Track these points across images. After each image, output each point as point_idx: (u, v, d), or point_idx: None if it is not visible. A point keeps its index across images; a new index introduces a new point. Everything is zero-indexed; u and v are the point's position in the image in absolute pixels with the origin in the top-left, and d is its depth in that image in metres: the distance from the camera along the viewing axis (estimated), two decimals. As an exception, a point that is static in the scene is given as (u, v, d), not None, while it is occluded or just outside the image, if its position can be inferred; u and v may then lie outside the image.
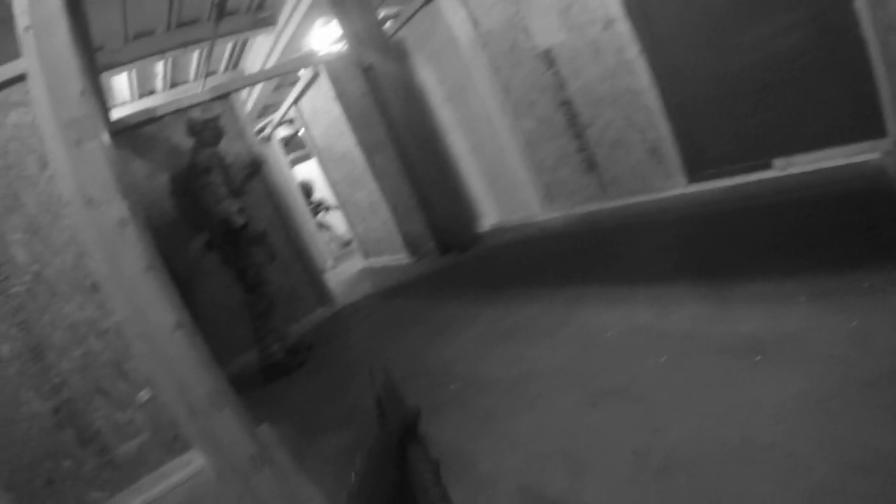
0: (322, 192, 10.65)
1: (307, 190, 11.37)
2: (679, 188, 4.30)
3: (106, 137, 2.18)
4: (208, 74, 8.66)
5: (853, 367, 1.71)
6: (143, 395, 3.33)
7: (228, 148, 5.48)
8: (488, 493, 1.99)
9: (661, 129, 4.19)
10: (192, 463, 3.37)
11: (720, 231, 3.37)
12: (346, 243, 10.25)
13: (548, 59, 4.77)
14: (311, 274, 6.01)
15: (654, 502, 1.58)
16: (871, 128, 3.12)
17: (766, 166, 3.72)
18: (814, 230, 2.78)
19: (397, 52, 6.21)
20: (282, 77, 8.46)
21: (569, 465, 1.92)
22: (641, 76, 4.12)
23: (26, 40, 1.80)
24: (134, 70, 7.74)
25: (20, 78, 3.24)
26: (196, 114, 4.65)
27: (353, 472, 0.62)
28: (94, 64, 3.90)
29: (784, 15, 3.27)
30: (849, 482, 1.35)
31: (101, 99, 4.38)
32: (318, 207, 11.20)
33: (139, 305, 1.70)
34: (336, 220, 8.87)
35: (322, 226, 10.87)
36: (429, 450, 0.62)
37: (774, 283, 2.45)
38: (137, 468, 3.31)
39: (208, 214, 4.44)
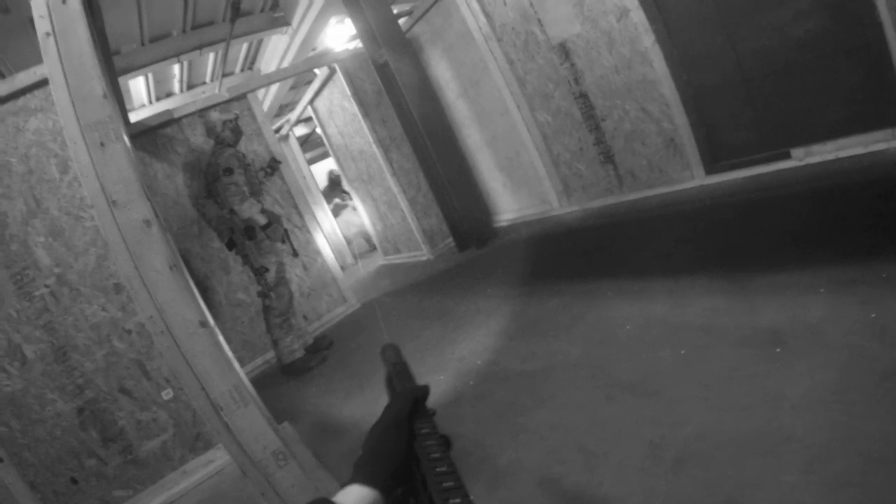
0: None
1: (336, 180, 11.27)
2: (697, 179, 4.27)
3: (128, 139, 2.22)
4: (224, 76, 8.70)
5: (872, 358, 1.70)
6: (166, 394, 3.39)
7: (247, 147, 5.54)
8: (507, 485, 2.01)
9: (678, 120, 4.16)
10: (215, 461, 3.42)
11: (738, 222, 3.35)
12: (369, 240, 10.19)
13: (563, 51, 4.75)
14: (331, 271, 6.05)
15: (670, 495, 1.59)
16: (890, 115, 3.08)
17: (785, 156, 3.68)
18: (832, 220, 2.76)
19: (412, 48, 6.22)
20: (297, 76, 8.49)
21: (586, 458, 1.93)
22: (657, 66, 4.09)
23: (47, 46, 1.84)
24: (150, 73, 7.81)
25: (39, 84, 3.30)
26: (215, 114, 4.68)
27: (361, 446, 0.63)
28: (113, 67, 3.95)
29: (800, 0, 3.23)
30: (868, 475, 1.35)
31: (120, 102, 4.44)
32: (345, 199, 11.13)
33: (163, 304, 1.73)
34: (363, 216, 8.74)
35: (346, 221, 10.85)
36: (437, 426, 0.63)
37: (793, 274, 2.43)
38: (161, 466, 3.38)
39: (230, 214, 4.49)
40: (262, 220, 4.43)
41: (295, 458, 1.86)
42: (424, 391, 0.68)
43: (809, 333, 1.98)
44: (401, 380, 0.75)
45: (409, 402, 0.65)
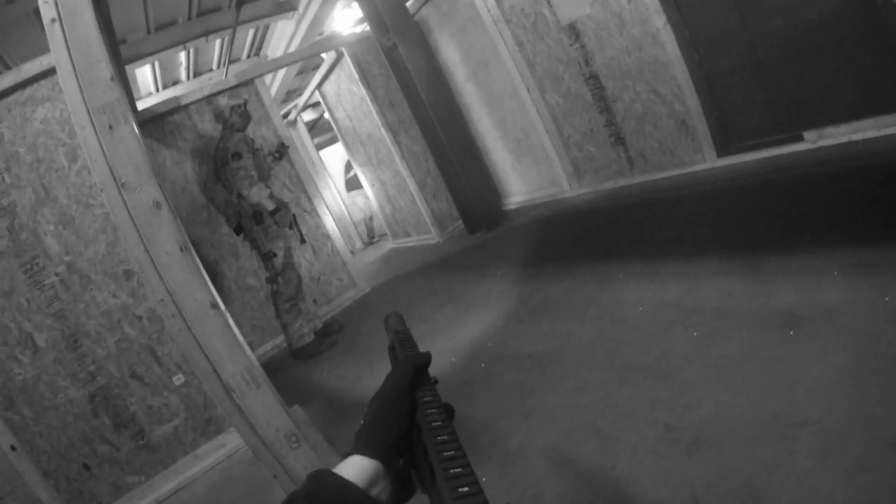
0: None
1: None
2: (708, 162, 4.22)
3: (135, 122, 2.21)
4: (231, 62, 8.65)
5: (886, 342, 1.68)
6: (178, 379, 3.41)
7: (255, 132, 5.53)
8: (519, 467, 2.01)
9: (690, 102, 4.11)
10: (227, 445, 3.44)
11: (751, 205, 3.31)
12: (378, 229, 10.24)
13: (573, 32, 4.69)
14: (341, 256, 6.06)
15: (685, 478, 1.58)
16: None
17: (797, 139, 3.64)
18: (845, 204, 2.72)
19: (419, 31, 6.17)
20: (304, 61, 8.44)
21: (599, 440, 1.93)
22: (669, 47, 4.02)
23: (53, 32, 1.82)
24: (157, 61, 7.79)
25: (46, 74, 3.29)
26: (223, 100, 4.68)
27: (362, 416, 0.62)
28: (119, 56, 3.93)
29: (815, -20, 3.17)
30: (883, 459, 1.33)
31: (127, 89, 4.44)
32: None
33: (174, 286, 1.73)
34: (370, 198, 8.66)
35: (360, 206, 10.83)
36: (439, 394, 0.62)
37: (806, 257, 2.40)
38: (173, 451, 3.40)
39: (239, 198, 4.49)
40: (271, 206, 4.43)
41: (307, 441, 1.86)
42: (426, 359, 0.66)
43: (823, 316, 1.96)
44: (403, 348, 0.74)
45: (411, 370, 0.63)
